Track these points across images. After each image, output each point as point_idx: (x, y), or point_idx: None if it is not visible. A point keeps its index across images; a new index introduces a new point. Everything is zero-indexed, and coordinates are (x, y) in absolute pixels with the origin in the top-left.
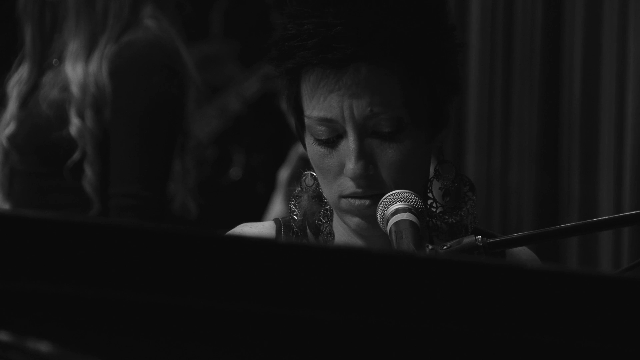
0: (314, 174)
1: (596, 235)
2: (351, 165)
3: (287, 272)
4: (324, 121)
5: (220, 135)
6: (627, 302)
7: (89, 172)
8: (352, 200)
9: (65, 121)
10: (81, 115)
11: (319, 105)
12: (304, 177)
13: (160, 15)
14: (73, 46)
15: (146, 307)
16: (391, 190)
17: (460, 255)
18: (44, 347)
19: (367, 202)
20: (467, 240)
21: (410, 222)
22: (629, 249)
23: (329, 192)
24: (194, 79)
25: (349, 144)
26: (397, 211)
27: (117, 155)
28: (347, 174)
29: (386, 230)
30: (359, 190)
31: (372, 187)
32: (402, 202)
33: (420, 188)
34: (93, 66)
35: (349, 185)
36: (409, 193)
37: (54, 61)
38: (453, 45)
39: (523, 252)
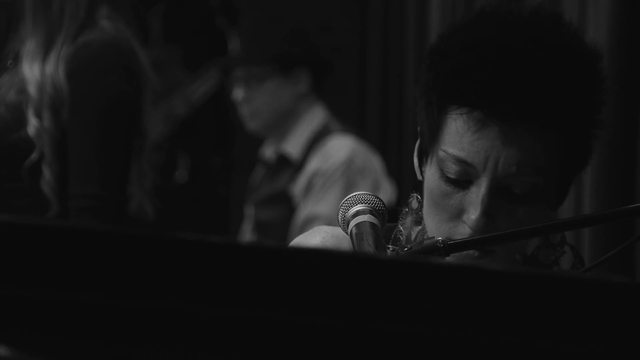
0: (419, 198)
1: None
2: (474, 216)
3: (250, 275)
4: (462, 163)
5: (164, 139)
6: (588, 302)
7: (47, 173)
8: (467, 253)
9: (22, 123)
10: (39, 116)
11: (464, 146)
12: (411, 199)
13: (116, 17)
14: (30, 46)
15: (107, 310)
16: (503, 249)
17: (422, 257)
18: (1, 350)
19: (476, 253)
20: (428, 241)
21: (371, 224)
22: (589, 250)
23: (437, 230)
24: (151, 80)
25: (480, 194)
26: (357, 213)
27: (75, 156)
28: (468, 223)
29: (347, 232)
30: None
31: None
32: (363, 204)
33: (524, 247)
34: (50, 67)
35: (461, 232)
36: (370, 195)
37: (9, 63)
38: (600, 122)
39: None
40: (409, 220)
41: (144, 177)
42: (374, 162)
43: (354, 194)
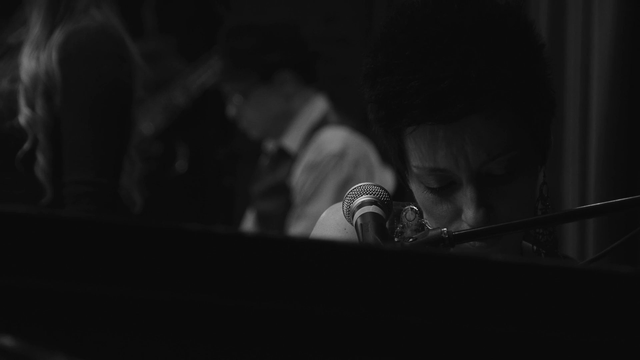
0: (414, 208)
1: (561, 227)
2: (472, 213)
3: (255, 265)
4: (437, 171)
5: (162, 130)
6: (593, 293)
7: (41, 159)
8: (469, 244)
9: (15, 112)
10: (32, 103)
11: (430, 157)
12: (405, 212)
13: (104, 5)
14: (31, 35)
15: (111, 301)
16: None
17: (427, 248)
18: (7, 341)
19: (484, 244)
20: (433, 232)
21: (376, 214)
22: (593, 240)
23: None
24: (141, 68)
25: (467, 193)
26: (362, 204)
27: (70, 143)
28: (469, 222)
29: (352, 223)
30: None
31: None
32: (368, 195)
33: (530, 213)
34: (43, 55)
35: (466, 229)
36: (374, 186)
37: None
38: (547, 67)
39: None
40: (407, 233)
41: (132, 166)
42: (369, 154)
43: (359, 184)
